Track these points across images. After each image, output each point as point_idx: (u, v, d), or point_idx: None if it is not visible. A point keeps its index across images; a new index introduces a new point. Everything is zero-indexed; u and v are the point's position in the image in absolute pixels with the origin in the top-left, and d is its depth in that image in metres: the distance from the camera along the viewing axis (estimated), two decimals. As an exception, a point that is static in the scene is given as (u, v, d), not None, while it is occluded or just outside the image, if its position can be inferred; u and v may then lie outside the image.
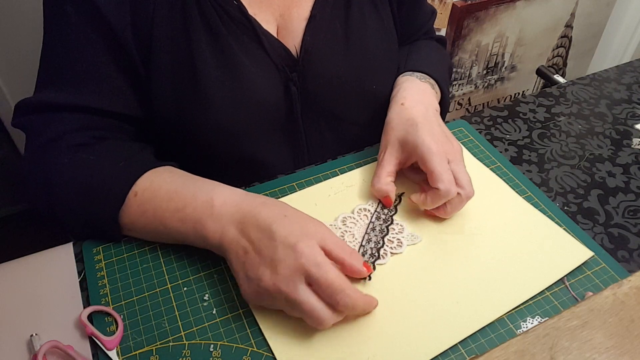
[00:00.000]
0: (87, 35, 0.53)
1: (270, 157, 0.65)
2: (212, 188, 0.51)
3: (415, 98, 0.61)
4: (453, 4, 1.28)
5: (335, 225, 0.56)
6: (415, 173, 0.61)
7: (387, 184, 0.57)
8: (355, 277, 0.49)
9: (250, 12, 0.58)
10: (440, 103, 0.67)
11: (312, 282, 0.44)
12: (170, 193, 0.51)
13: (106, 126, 0.57)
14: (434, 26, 0.80)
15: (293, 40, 0.61)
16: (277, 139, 0.64)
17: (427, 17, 0.76)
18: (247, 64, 0.58)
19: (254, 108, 0.60)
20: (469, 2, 1.27)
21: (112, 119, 0.58)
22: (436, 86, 0.67)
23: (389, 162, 0.58)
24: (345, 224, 0.56)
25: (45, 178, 0.53)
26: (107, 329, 0.47)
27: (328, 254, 0.45)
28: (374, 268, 0.52)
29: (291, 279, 0.43)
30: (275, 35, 0.60)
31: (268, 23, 0.60)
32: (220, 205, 0.49)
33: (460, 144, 0.58)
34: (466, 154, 0.65)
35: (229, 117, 0.59)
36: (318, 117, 0.65)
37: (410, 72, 0.67)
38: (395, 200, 0.59)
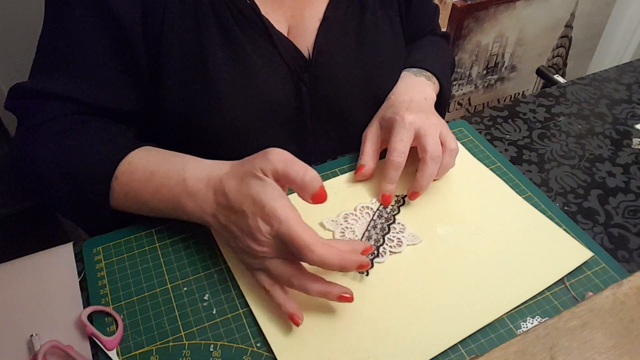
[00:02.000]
0: (91, 28, 0.53)
1: None
2: (183, 166, 0.52)
3: (402, 91, 0.65)
4: (453, 4, 1.28)
5: (336, 221, 0.56)
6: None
7: (371, 158, 0.61)
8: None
9: (263, 11, 0.58)
10: (439, 93, 0.70)
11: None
12: (146, 174, 0.52)
13: (98, 115, 0.58)
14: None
15: (305, 41, 0.61)
16: (285, 138, 0.64)
17: (431, 14, 0.77)
18: (259, 63, 0.58)
19: (264, 107, 0.60)
20: (469, 2, 1.27)
21: (103, 112, 0.58)
22: (433, 77, 0.69)
23: (371, 139, 0.62)
24: (346, 221, 0.56)
25: (33, 163, 0.55)
26: (107, 329, 0.47)
27: (284, 181, 0.48)
28: (372, 265, 0.52)
29: (267, 245, 0.46)
30: (286, 35, 0.60)
31: (279, 23, 0.60)
32: (192, 184, 0.50)
33: (443, 121, 0.60)
34: (466, 154, 0.66)
35: (238, 115, 0.59)
36: (326, 118, 0.65)
37: (407, 69, 0.69)
38: (399, 200, 0.59)
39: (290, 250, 0.45)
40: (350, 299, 0.46)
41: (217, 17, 0.56)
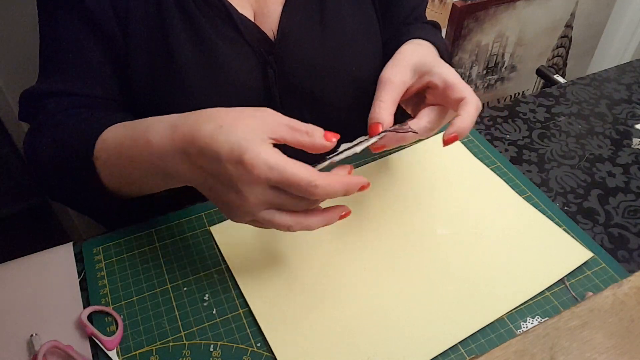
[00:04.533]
0: (75, 30, 0.56)
1: None
2: (146, 128, 0.47)
3: (426, 43, 0.60)
4: (453, 4, 1.28)
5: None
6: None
7: (389, 112, 0.51)
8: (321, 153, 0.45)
9: None
10: None
11: (277, 187, 0.42)
12: (117, 148, 0.50)
13: (94, 105, 0.59)
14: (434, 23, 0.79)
15: (270, 24, 0.62)
16: None
17: (417, 0, 0.74)
18: (223, 48, 0.59)
19: (232, 91, 0.60)
20: (469, 2, 1.27)
21: (99, 102, 0.60)
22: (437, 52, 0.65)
23: (394, 85, 0.52)
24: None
25: (35, 160, 0.56)
26: (107, 329, 0.47)
27: (283, 142, 0.43)
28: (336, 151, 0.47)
29: (255, 197, 0.42)
30: (252, 20, 0.61)
31: (244, 8, 0.61)
32: (157, 145, 0.46)
33: None
34: (466, 153, 0.66)
35: (206, 101, 0.59)
36: (298, 100, 0.65)
37: (415, 40, 0.63)
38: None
39: (287, 194, 0.42)
40: (349, 212, 0.46)
41: (179, 4, 0.57)
